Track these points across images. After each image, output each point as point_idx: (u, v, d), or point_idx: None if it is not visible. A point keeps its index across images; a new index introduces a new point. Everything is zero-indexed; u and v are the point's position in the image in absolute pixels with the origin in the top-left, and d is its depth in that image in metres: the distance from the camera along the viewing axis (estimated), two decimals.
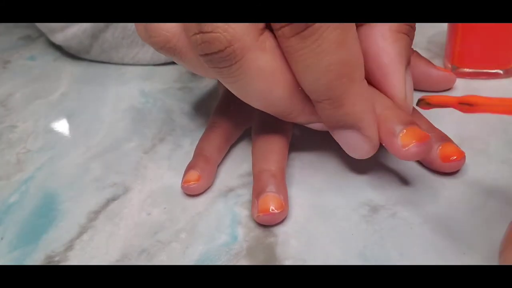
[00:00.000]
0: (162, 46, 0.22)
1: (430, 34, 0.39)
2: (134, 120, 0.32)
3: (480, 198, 0.23)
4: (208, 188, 0.26)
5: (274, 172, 0.24)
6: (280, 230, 0.23)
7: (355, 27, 0.21)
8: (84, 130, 0.32)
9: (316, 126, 0.24)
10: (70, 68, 0.41)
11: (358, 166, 0.26)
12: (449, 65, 0.33)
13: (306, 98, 0.22)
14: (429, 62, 0.31)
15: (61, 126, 0.33)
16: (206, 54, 0.20)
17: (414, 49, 0.31)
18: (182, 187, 0.25)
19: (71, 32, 0.39)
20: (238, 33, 0.20)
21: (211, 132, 0.27)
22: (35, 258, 0.22)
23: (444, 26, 0.35)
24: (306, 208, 0.24)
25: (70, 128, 0.33)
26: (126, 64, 0.40)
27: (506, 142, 0.27)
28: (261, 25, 0.20)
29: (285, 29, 0.20)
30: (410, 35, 0.24)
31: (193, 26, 0.20)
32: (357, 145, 0.23)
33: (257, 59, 0.20)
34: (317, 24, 0.19)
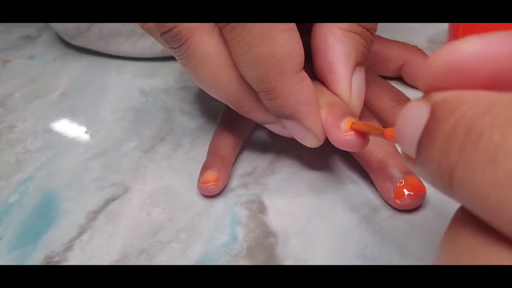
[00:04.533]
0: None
1: (431, 34, 0.39)
2: (134, 120, 0.32)
3: None
4: (224, 188, 0.25)
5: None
6: (280, 230, 0.23)
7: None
8: (84, 130, 0.32)
9: (273, 127, 0.24)
10: (70, 68, 0.41)
11: (358, 166, 0.26)
12: None
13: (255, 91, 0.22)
14: None
15: (61, 126, 0.33)
16: (162, 34, 0.21)
17: (418, 47, 0.31)
18: (200, 188, 0.25)
19: None
20: None
21: (224, 129, 0.27)
22: (35, 258, 0.22)
23: (444, 26, 0.35)
24: (306, 208, 0.24)
25: (70, 128, 0.33)
26: (123, 54, 0.39)
27: None
28: None
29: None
30: (363, 35, 0.23)
31: None
32: (301, 135, 0.23)
33: (203, 42, 0.21)
34: None
